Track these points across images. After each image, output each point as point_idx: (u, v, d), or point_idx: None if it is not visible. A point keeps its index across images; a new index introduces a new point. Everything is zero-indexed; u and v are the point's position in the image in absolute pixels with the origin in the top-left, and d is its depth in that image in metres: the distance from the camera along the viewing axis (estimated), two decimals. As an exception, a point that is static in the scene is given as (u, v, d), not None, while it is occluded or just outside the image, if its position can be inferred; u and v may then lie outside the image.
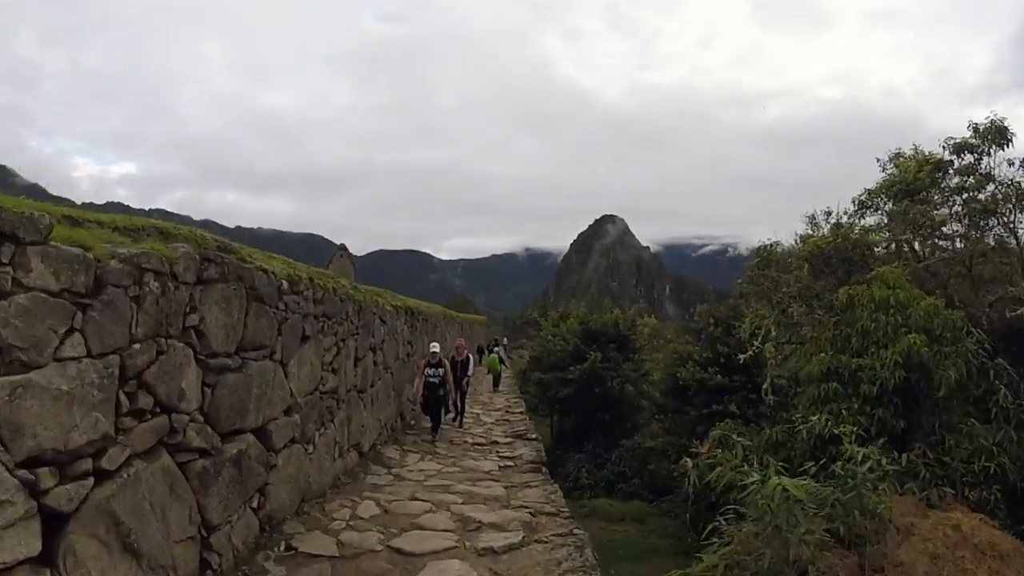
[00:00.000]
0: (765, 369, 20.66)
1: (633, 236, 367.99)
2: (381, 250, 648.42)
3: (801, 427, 13.33)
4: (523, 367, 55.83)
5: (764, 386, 19.09)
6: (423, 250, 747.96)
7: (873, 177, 20.75)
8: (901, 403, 13.00)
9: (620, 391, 36.47)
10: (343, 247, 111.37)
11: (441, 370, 19.59)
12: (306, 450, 10.55)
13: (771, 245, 20.25)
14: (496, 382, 36.60)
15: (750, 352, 19.39)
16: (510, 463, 16.19)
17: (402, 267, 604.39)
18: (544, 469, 15.73)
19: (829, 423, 12.67)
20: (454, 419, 22.29)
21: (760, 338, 18.66)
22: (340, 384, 12.80)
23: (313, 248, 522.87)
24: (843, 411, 12.94)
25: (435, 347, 20.48)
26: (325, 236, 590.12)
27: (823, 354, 14.44)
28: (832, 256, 17.81)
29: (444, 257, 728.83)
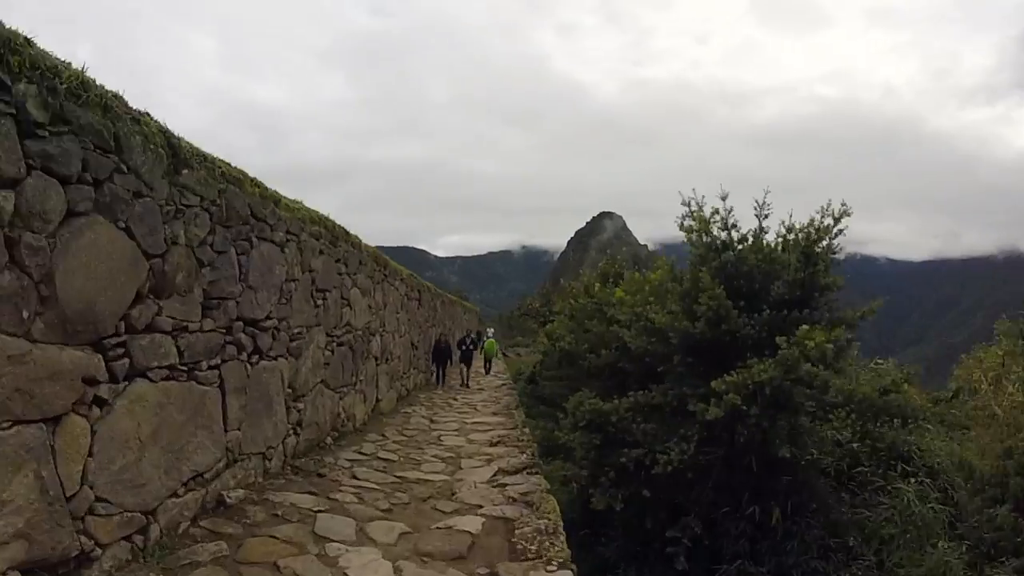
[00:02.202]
0: None
1: (630, 233, 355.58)
2: (379, 246, 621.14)
3: None
4: (528, 369, 33.72)
5: None
6: (419, 247, 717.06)
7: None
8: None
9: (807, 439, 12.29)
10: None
11: None
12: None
13: None
14: (488, 365, 35.62)
15: None
16: None
17: (400, 263, 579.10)
18: None
19: None
20: None
21: None
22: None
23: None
24: None
25: None
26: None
27: None
28: None
29: (440, 254, 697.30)
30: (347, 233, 13.16)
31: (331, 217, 12.22)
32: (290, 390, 10.10)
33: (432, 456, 12.02)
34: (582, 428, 12.40)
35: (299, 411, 10.53)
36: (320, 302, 11.49)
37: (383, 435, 13.85)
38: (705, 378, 11.61)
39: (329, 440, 12.09)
